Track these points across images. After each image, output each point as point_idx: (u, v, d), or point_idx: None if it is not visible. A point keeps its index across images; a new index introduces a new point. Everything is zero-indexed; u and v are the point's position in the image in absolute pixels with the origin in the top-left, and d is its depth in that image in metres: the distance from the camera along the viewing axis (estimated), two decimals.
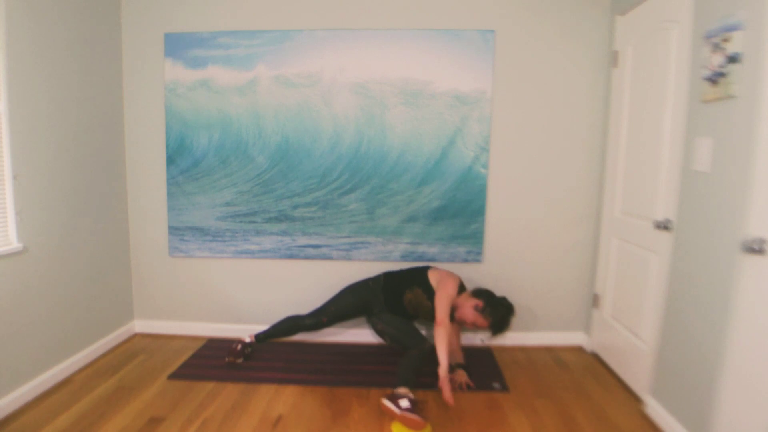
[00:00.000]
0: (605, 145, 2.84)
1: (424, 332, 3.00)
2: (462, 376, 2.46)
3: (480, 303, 2.47)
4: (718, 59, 1.78)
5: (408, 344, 2.41)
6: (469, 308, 2.48)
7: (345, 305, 2.66)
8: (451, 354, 2.62)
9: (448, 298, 2.42)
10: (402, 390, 2.15)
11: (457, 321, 2.52)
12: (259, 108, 2.90)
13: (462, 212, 2.91)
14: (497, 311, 2.47)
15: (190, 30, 2.88)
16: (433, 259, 2.96)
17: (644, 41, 2.40)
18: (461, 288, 2.60)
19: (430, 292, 2.54)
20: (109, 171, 2.86)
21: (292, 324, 2.69)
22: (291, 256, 3.00)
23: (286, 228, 2.98)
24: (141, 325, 3.14)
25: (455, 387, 2.42)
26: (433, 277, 2.58)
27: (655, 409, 2.14)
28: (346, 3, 2.83)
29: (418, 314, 2.60)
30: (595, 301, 2.89)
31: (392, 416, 2.10)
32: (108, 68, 2.81)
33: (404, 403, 2.07)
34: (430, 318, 2.57)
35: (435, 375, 2.39)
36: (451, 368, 2.51)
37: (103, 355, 2.77)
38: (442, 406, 2.25)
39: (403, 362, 2.30)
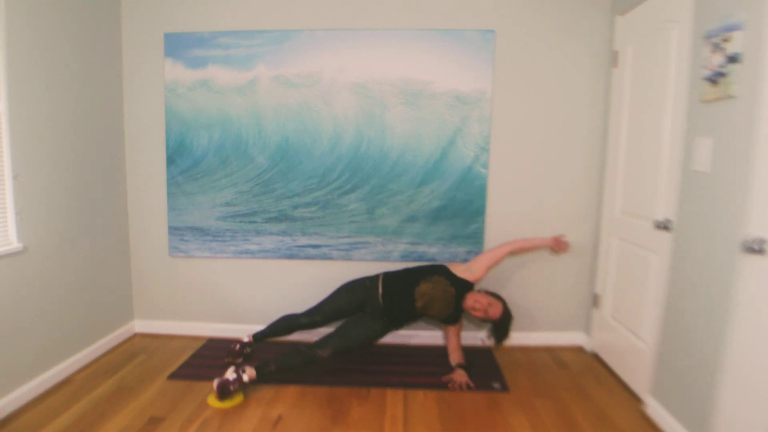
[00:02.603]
0: (605, 145, 2.84)
1: (422, 332, 3.00)
2: (462, 376, 2.46)
3: (491, 295, 2.58)
4: (718, 59, 1.78)
5: (321, 341, 2.42)
6: (483, 297, 2.51)
7: (340, 304, 2.64)
8: (450, 354, 2.63)
9: (493, 257, 2.59)
10: (249, 370, 2.30)
11: (469, 308, 2.50)
12: (259, 108, 2.90)
13: (462, 212, 2.91)
14: (506, 307, 2.55)
15: (190, 30, 2.88)
16: (432, 259, 2.96)
17: (644, 41, 2.40)
18: None
19: (453, 279, 2.53)
20: (109, 171, 2.86)
21: (288, 323, 2.69)
22: (291, 256, 3.00)
23: (286, 228, 2.98)
24: (141, 325, 3.14)
25: (456, 387, 2.42)
26: (455, 268, 2.61)
27: (655, 409, 2.14)
28: (346, 3, 2.83)
29: (427, 308, 2.50)
30: (595, 301, 2.89)
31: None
32: (108, 68, 2.81)
33: (229, 374, 2.26)
34: (442, 311, 2.50)
35: (437, 375, 2.40)
36: (451, 368, 2.52)
37: (103, 355, 2.77)
38: (444, 406, 2.25)
39: (293, 350, 2.39)
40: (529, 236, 2.93)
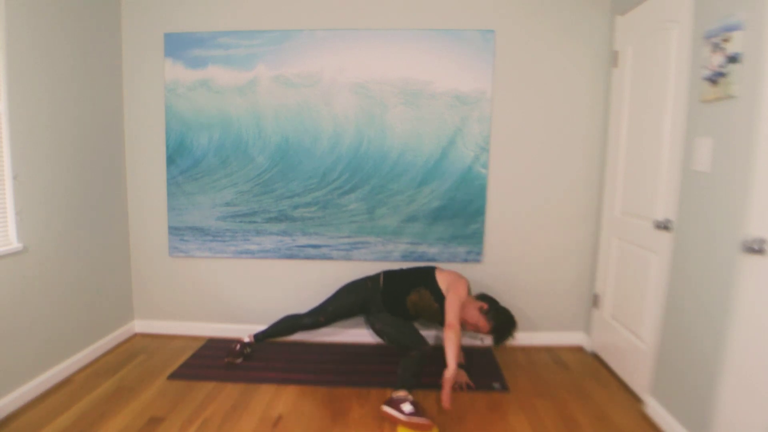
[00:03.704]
0: (605, 145, 2.84)
1: (422, 332, 3.00)
2: (462, 376, 2.46)
3: (485, 305, 2.50)
4: (718, 59, 1.78)
5: (408, 345, 2.40)
6: (473, 309, 2.48)
7: (342, 305, 2.65)
8: None
9: (459, 300, 2.39)
10: (401, 393, 2.15)
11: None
12: (259, 108, 2.90)
13: (462, 212, 2.91)
14: (500, 317, 2.49)
15: (190, 30, 2.88)
16: (433, 259, 2.96)
17: (644, 41, 2.40)
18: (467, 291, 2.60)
19: (437, 294, 2.52)
20: (109, 171, 2.86)
21: (291, 323, 2.69)
22: (291, 256, 3.00)
23: (286, 228, 2.98)
24: (141, 325, 3.14)
25: (456, 387, 2.42)
26: (441, 279, 2.55)
27: (655, 409, 2.14)
28: (346, 3, 2.83)
29: (419, 315, 2.58)
30: (595, 301, 2.89)
31: (395, 422, 2.07)
32: (108, 68, 2.81)
33: (407, 407, 2.06)
34: (433, 320, 2.57)
35: (437, 375, 2.40)
36: None
37: (103, 355, 2.77)
38: (439, 408, 2.25)
39: (403, 364, 2.29)
40: (529, 236, 2.93)
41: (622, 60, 2.63)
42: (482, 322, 2.47)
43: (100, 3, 2.71)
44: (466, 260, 2.95)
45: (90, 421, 2.07)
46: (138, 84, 2.95)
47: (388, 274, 2.66)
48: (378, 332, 2.55)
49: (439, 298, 2.51)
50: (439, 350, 2.89)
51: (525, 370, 2.66)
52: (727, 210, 1.74)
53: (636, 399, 2.34)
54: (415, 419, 2.02)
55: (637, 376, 2.36)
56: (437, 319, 2.55)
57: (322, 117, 2.89)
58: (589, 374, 2.62)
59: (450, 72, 2.81)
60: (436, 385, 2.44)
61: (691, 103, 1.98)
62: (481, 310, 2.48)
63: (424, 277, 2.58)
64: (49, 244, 2.38)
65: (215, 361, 2.69)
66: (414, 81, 2.83)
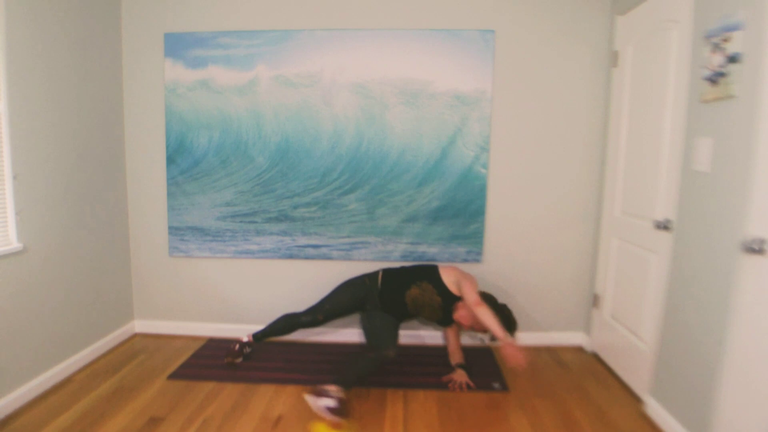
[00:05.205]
0: (605, 145, 2.84)
1: (423, 332, 3.00)
2: (462, 376, 2.46)
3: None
4: (718, 59, 1.78)
5: (371, 345, 2.35)
6: (471, 311, 2.48)
7: (340, 302, 2.63)
8: (450, 354, 2.63)
9: (474, 287, 2.43)
10: (332, 388, 2.09)
11: (456, 321, 2.52)
12: (259, 108, 2.90)
13: (462, 212, 2.91)
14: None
15: (190, 30, 2.88)
16: (432, 259, 2.96)
17: (644, 41, 2.40)
18: None
19: (440, 288, 2.51)
20: (109, 171, 2.86)
21: (289, 322, 2.68)
22: (291, 256, 3.00)
23: (286, 228, 2.98)
24: (141, 325, 3.14)
25: (455, 387, 2.42)
26: (446, 275, 2.54)
27: (655, 409, 2.14)
28: (346, 3, 2.83)
29: (418, 311, 2.55)
30: (595, 301, 2.89)
31: (316, 413, 2.08)
32: (108, 68, 2.81)
33: (327, 401, 2.03)
34: (431, 317, 2.56)
35: (438, 375, 2.40)
36: (451, 368, 2.51)
37: (103, 355, 2.77)
38: (444, 406, 2.25)
39: (351, 361, 2.24)
40: (529, 236, 2.93)
41: (622, 60, 2.63)
42: (479, 325, 2.47)
43: (100, 3, 2.71)
44: (466, 260, 2.95)
45: (90, 421, 2.07)
46: (138, 84, 2.95)
47: (388, 272, 2.65)
48: (363, 329, 2.54)
49: (443, 291, 2.50)
50: (435, 349, 2.89)
51: (525, 370, 2.66)
52: (727, 210, 1.74)
53: (636, 399, 2.34)
54: (330, 415, 2.02)
55: (637, 376, 2.36)
56: (437, 317, 2.54)
57: (322, 117, 2.89)
58: (589, 374, 2.62)
59: (450, 72, 2.81)
60: (435, 385, 2.45)
61: (691, 103, 1.98)
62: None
63: (427, 273, 2.57)
64: (49, 244, 2.38)
65: (215, 361, 2.69)
66: (414, 81, 2.83)
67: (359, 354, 2.28)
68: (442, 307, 2.49)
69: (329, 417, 2.02)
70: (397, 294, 2.54)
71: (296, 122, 2.90)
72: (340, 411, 2.04)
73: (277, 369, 2.62)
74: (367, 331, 2.44)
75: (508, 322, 2.50)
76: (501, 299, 2.98)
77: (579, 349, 2.97)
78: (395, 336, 2.40)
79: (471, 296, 2.37)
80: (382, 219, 2.94)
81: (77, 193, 2.58)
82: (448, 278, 2.53)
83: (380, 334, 2.38)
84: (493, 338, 2.52)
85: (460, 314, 2.48)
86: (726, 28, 1.74)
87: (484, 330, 2.48)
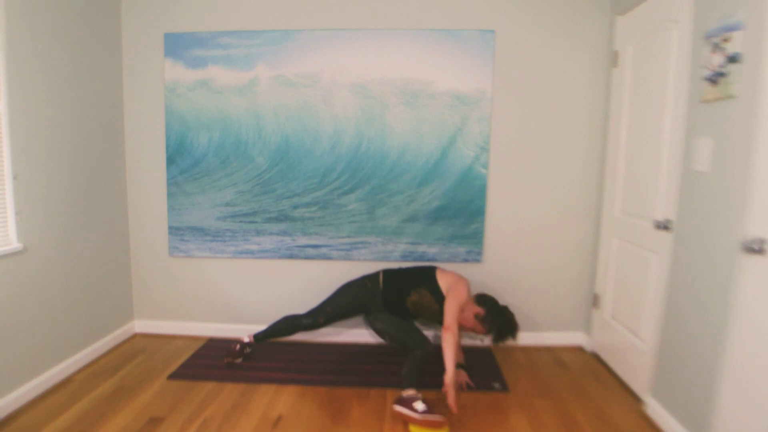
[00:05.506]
0: (605, 145, 2.84)
1: (424, 332, 3.00)
2: (462, 376, 2.46)
3: (481, 312, 2.48)
4: (718, 59, 1.78)
5: (410, 344, 2.40)
6: (470, 315, 2.48)
7: (341, 305, 2.64)
8: None
9: (458, 303, 2.39)
10: (410, 392, 2.15)
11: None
12: (259, 108, 2.90)
13: (462, 212, 2.91)
14: (496, 323, 2.47)
15: (190, 30, 2.88)
16: (433, 259, 2.96)
17: (644, 41, 2.40)
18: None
19: (437, 295, 2.52)
20: (109, 171, 2.86)
21: (290, 324, 2.68)
22: (291, 256, 3.00)
23: (286, 228, 2.98)
24: (141, 325, 3.14)
25: (456, 387, 2.42)
26: (442, 280, 2.54)
27: (655, 409, 2.14)
28: (346, 3, 2.83)
29: (419, 315, 2.58)
30: (595, 301, 2.89)
31: (409, 421, 2.07)
32: (108, 68, 2.81)
33: (420, 405, 2.07)
34: (433, 320, 2.57)
35: (438, 375, 2.40)
36: None
37: (103, 355, 2.77)
38: (444, 407, 2.25)
39: (407, 363, 2.29)
40: (529, 236, 2.94)
41: (622, 60, 2.63)
42: (478, 328, 2.48)
43: (100, 3, 2.71)
44: (466, 260, 2.95)
45: (90, 421, 2.07)
46: (138, 84, 2.95)
47: (388, 273, 2.66)
48: (379, 332, 2.55)
49: (440, 298, 2.51)
50: (440, 349, 2.88)
51: (525, 370, 2.66)
52: (726, 210, 1.74)
53: (636, 399, 2.34)
54: (429, 417, 2.03)
55: (637, 376, 2.36)
56: (437, 320, 2.55)
57: (322, 117, 2.88)
58: (589, 374, 2.62)
59: (450, 72, 2.81)
60: (435, 385, 2.45)
61: (691, 103, 1.98)
62: (477, 317, 2.47)
63: (425, 278, 2.58)
64: (49, 244, 2.38)
65: (215, 361, 2.69)
66: (414, 81, 2.83)
67: (408, 355, 2.33)
68: (441, 314, 2.50)
69: (430, 418, 2.04)
70: (399, 299, 2.57)
71: (296, 122, 2.90)
72: (432, 409, 2.08)
73: (277, 369, 2.62)
74: (394, 336, 2.48)
75: (510, 325, 2.50)
76: (501, 299, 2.98)
77: (579, 349, 2.97)
78: (422, 332, 2.47)
79: (447, 317, 2.34)
80: (382, 219, 2.94)
81: (77, 193, 2.58)
82: (444, 284, 2.53)
83: (413, 334, 2.44)
84: (494, 339, 2.52)
85: (459, 318, 2.48)
86: (726, 28, 1.74)
87: (484, 331, 2.48)
